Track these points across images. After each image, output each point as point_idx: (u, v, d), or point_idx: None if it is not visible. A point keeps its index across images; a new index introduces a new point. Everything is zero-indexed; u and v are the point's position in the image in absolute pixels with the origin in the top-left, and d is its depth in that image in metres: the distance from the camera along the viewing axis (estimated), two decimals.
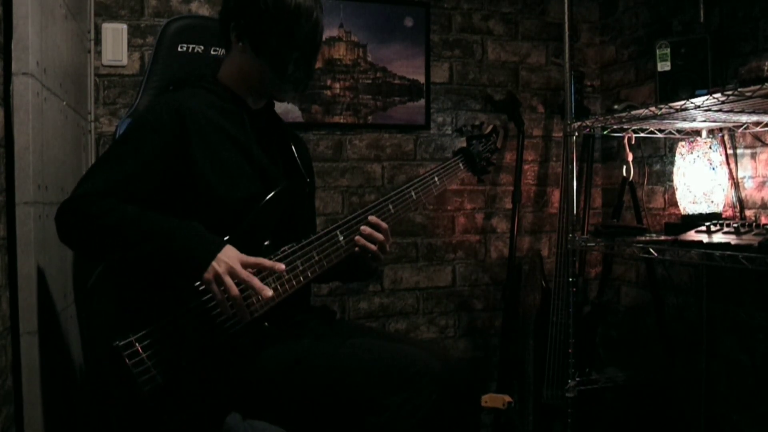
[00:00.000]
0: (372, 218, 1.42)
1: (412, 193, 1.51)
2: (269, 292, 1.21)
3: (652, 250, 1.82)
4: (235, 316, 1.23)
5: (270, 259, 1.29)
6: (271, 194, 1.36)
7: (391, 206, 1.47)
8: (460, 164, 1.66)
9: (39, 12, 1.40)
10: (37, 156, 1.37)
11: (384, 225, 1.43)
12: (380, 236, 1.41)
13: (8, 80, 1.29)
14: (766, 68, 1.48)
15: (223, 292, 1.20)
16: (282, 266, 1.26)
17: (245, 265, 1.22)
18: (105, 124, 2.20)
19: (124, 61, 2.22)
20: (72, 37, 1.84)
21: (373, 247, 1.41)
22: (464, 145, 1.70)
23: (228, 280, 1.19)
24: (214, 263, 1.20)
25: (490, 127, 1.76)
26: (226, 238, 1.29)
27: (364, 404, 1.23)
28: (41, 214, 1.38)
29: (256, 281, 1.21)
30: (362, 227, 1.41)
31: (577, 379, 2.11)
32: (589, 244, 2.11)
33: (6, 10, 1.29)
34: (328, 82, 2.47)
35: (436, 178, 1.57)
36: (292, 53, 1.42)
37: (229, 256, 1.21)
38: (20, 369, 1.30)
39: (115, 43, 2.21)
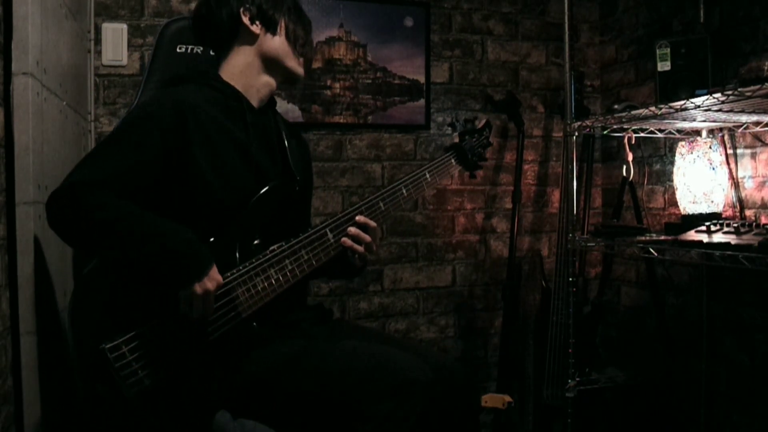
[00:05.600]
0: (360, 218, 1.41)
1: (403, 191, 1.50)
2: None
3: (652, 250, 1.82)
4: (186, 331, 1.24)
5: (259, 258, 1.31)
6: (260, 194, 1.35)
7: (381, 204, 1.46)
8: (452, 160, 1.63)
9: (39, 12, 1.40)
10: (37, 156, 1.37)
11: (372, 224, 1.42)
12: (367, 237, 1.40)
13: (8, 80, 1.29)
14: (766, 68, 1.48)
15: (190, 309, 1.22)
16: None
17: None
18: (105, 124, 2.20)
19: (124, 61, 2.22)
20: (72, 37, 1.84)
21: (359, 248, 1.40)
22: (456, 140, 1.66)
23: (199, 305, 1.22)
24: (197, 284, 1.21)
25: (483, 122, 1.71)
26: (214, 238, 1.30)
27: (351, 410, 1.23)
28: (41, 214, 1.38)
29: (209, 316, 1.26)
30: (349, 228, 1.40)
31: (577, 379, 2.11)
32: (589, 244, 2.11)
33: (6, 10, 1.29)
34: (328, 82, 2.47)
35: (427, 175, 1.55)
36: (303, 27, 1.49)
37: (213, 280, 1.23)
38: (20, 369, 1.30)
39: (115, 43, 2.21)
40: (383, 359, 1.28)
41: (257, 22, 1.44)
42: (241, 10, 1.43)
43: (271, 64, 1.47)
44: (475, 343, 2.69)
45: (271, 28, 1.45)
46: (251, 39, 1.45)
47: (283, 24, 1.46)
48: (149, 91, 1.77)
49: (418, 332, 2.61)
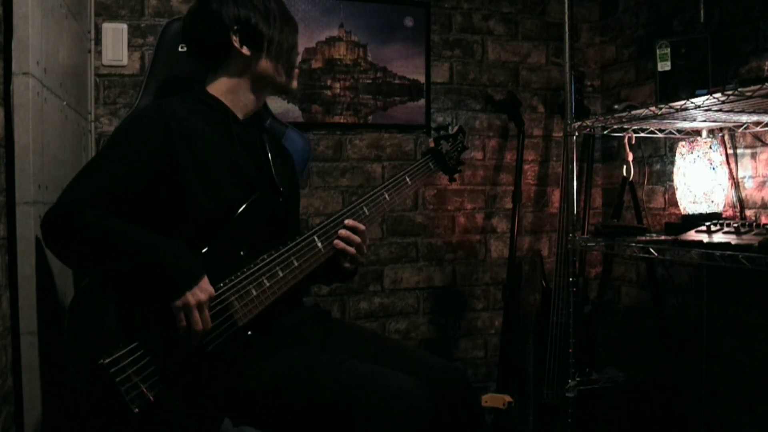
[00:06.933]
0: (349, 221, 1.44)
1: (386, 195, 1.53)
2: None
3: (652, 250, 1.82)
4: (185, 343, 1.24)
5: (250, 268, 1.31)
6: (245, 204, 1.36)
7: (365, 209, 1.49)
8: (430, 164, 1.67)
9: (39, 12, 1.40)
10: (38, 156, 1.37)
11: (361, 227, 1.45)
12: (357, 239, 1.44)
13: (8, 80, 1.29)
14: (766, 68, 1.48)
15: (187, 322, 1.22)
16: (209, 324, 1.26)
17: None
18: (105, 124, 2.20)
19: (125, 61, 2.22)
20: (72, 37, 1.84)
21: (351, 249, 1.43)
22: (432, 145, 1.71)
23: (196, 315, 1.21)
24: (188, 294, 1.21)
25: (457, 127, 1.77)
26: (204, 250, 1.30)
27: (349, 429, 1.24)
28: (41, 214, 1.37)
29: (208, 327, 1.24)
30: (340, 231, 1.43)
31: (577, 379, 2.11)
32: (589, 244, 2.11)
33: (6, 10, 1.29)
34: (329, 82, 2.47)
35: (407, 179, 1.58)
36: (290, 33, 1.48)
37: (204, 291, 1.23)
38: (20, 369, 1.30)
39: (116, 43, 2.21)
40: (384, 384, 1.28)
41: (246, 45, 1.43)
42: (230, 33, 1.42)
43: (261, 83, 1.48)
44: (475, 343, 2.69)
45: (260, 49, 1.44)
46: (242, 60, 1.44)
47: (271, 42, 1.45)
48: (150, 91, 1.78)
49: (418, 332, 2.61)
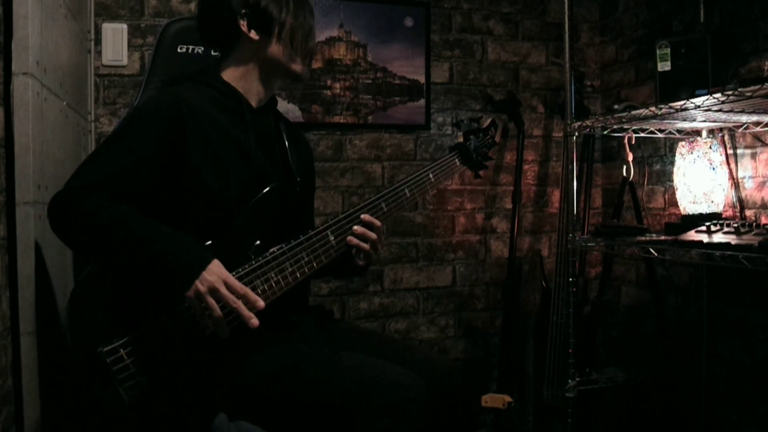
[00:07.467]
0: (365, 216, 1.40)
1: (406, 191, 1.48)
2: (255, 321, 1.19)
3: (652, 250, 1.82)
4: (215, 333, 1.21)
5: (258, 261, 1.28)
6: (260, 194, 1.34)
7: (384, 204, 1.44)
8: (456, 160, 1.61)
9: (39, 12, 1.40)
10: (37, 156, 1.37)
11: (378, 223, 1.41)
12: (373, 235, 1.40)
13: (8, 80, 1.29)
14: (766, 68, 1.48)
15: (205, 310, 1.19)
16: (261, 305, 1.21)
17: (230, 287, 1.20)
18: (105, 124, 2.20)
19: (124, 61, 2.23)
20: (72, 37, 1.84)
21: (365, 246, 1.39)
22: (461, 140, 1.64)
23: (211, 301, 1.18)
24: (197, 282, 1.17)
25: (489, 121, 1.69)
26: (208, 243, 1.27)
27: (347, 423, 1.23)
28: (41, 214, 1.38)
29: (242, 307, 1.19)
30: (355, 227, 1.39)
31: (577, 379, 2.11)
32: (589, 244, 2.11)
33: (6, 10, 1.29)
34: (328, 82, 2.47)
35: (431, 175, 1.53)
36: (305, 19, 1.46)
37: (214, 274, 1.19)
38: (20, 369, 1.30)
39: (115, 43, 2.21)
40: (380, 376, 1.28)
41: (254, 29, 1.42)
42: (238, 17, 1.41)
43: (272, 68, 1.46)
44: (475, 343, 2.69)
45: (270, 33, 1.42)
46: (251, 45, 1.43)
47: (282, 26, 1.42)
48: (150, 92, 1.78)
49: (418, 332, 2.61)
